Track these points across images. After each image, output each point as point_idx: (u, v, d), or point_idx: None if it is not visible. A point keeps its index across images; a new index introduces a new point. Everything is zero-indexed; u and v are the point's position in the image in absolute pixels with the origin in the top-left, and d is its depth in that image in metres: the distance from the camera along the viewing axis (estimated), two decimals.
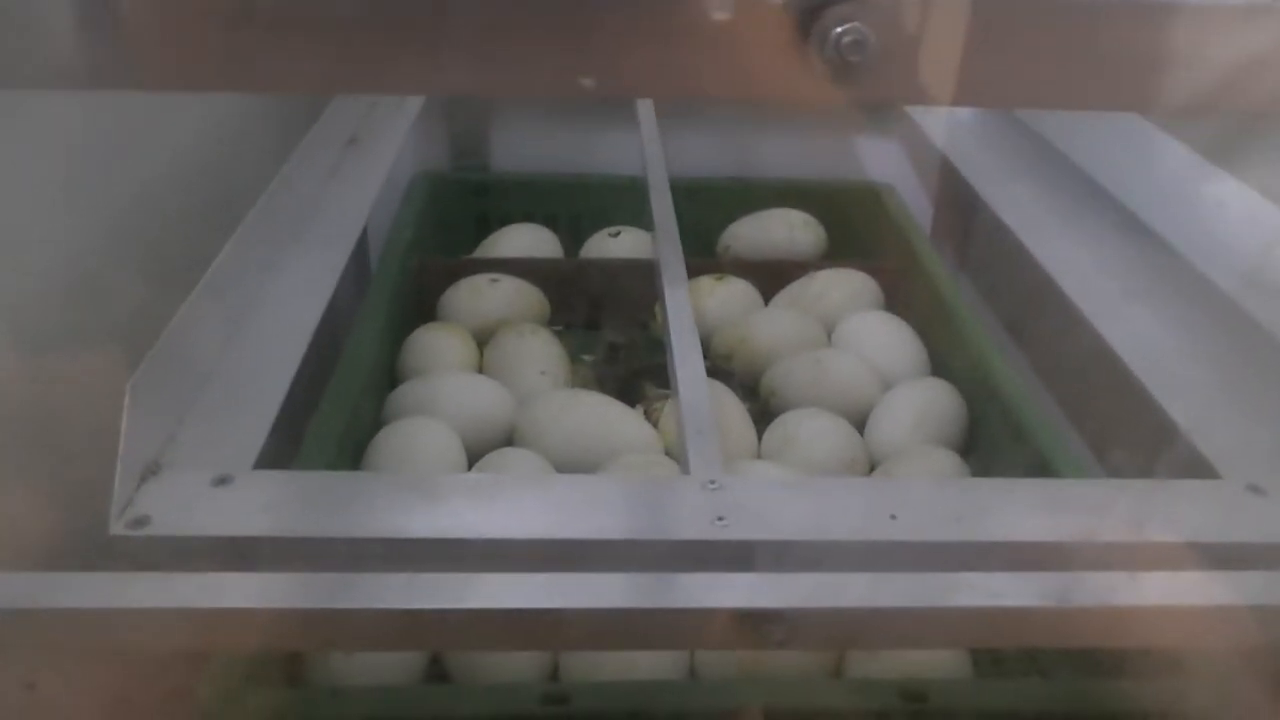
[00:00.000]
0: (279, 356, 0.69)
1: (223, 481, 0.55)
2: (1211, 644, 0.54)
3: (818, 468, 0.97)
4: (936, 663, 0.78)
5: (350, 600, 0.49)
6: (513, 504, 0.54)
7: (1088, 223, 0.96)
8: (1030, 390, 0.97)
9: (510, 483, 0.57)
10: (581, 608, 0.49)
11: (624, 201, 1.37)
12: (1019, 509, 0.55)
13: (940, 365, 1.13)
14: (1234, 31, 0.42)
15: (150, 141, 0.73)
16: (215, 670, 0.64)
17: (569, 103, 1.46)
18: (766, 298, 1.27)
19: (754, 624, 0.49)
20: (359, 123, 1.12)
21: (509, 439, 1.01)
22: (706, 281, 1.25)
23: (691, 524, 0.53)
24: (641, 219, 0.99)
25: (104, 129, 0.67)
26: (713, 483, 0.56)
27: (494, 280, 1.22)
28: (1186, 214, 0.85)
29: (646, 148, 1.09)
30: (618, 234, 1.38)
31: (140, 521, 0.52)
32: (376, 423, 0.99)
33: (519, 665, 0.77)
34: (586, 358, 1.20)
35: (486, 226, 1.40)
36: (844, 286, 1.25)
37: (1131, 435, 0.75)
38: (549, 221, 1.41)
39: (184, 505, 0.54)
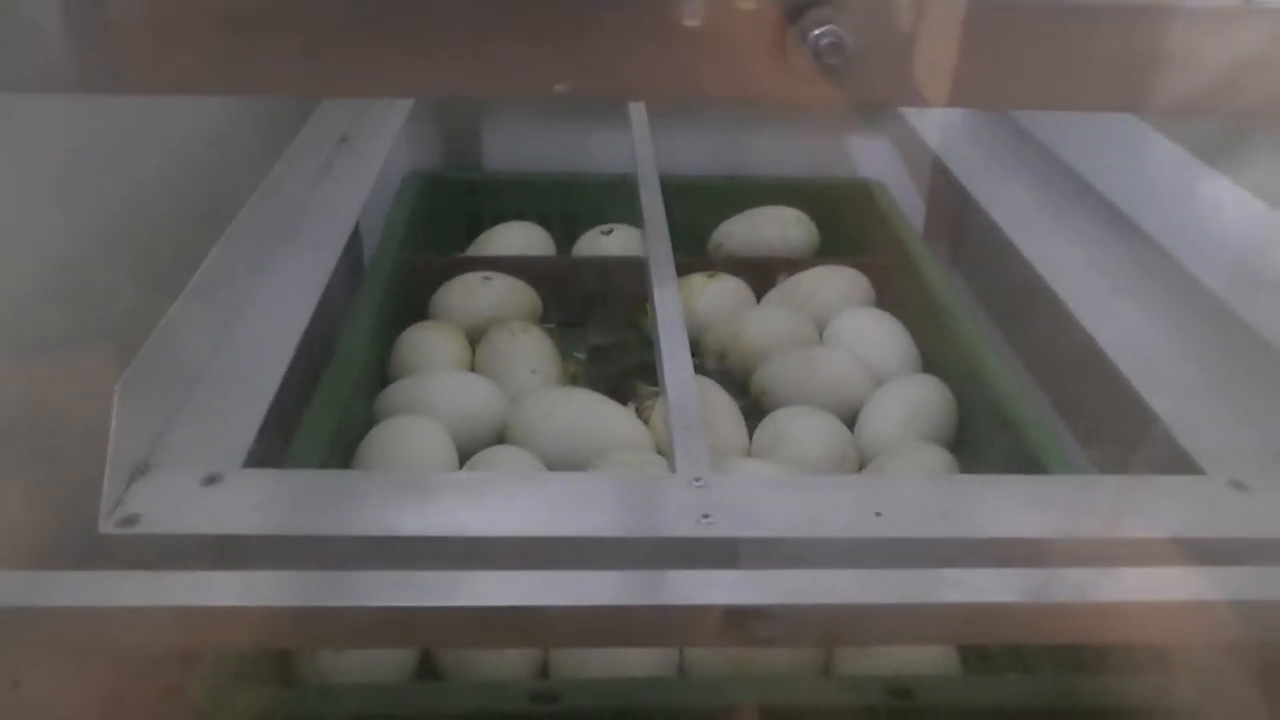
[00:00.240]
0: (269, 356, 0.69)
1: (212, 480, 0.56)
2: (1195, 639, 0.55)
3: (808, 465, 0.97)
4: (924, 659, 0.78)
5: (340, 598, 0.49)
6: (500, 502, 0.54)
7: (1077, 221, 0.96)
8: (1020, 387, 0.97)
9: (498, 481, 0.58)
10: (567, 605, 0.49)
11: (616, 200, 1.37)
12: (1005, 505, 0.56)
13: (931, 362, 1.13)
14: (1215, 31, 0.43)
15: (140, 141, 0.73)
16: (205, 668, 0.64)
17: (561, 102, 1.46)
18: (758, 295, 1.27)
19: (740, 621, 0.50)
20: (350, 122, 1.12)
21: (500, 437, 1.01)
22: (698, 279, 1.25)
23: (677, 522, 0.53)
24: (633, 217, 0.99)
25: (95, 130, 0.67)
26: (699, 480, 0.56)
27: (486, 279, 1.22)
28: (1175, 212, 0.85)
29: (637, 145, 1.09)
30: (610, 232, 1.38)
31: (130, 520, 0.53)
32: (368, 421, 0.99)
33: (509, 663, 0.78)
34: (578, 355, 1.21)
35: (479, 225, 1.41)
36: (835, 284, 1.25)
37: (1117, 431, 0.75)
38: (541, 220, 1.41)
39: (173, 504, 0.54)
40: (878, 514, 0.54)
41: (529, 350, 1.12)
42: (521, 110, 1.49)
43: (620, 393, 1.10)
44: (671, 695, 0.71)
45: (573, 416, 1.01)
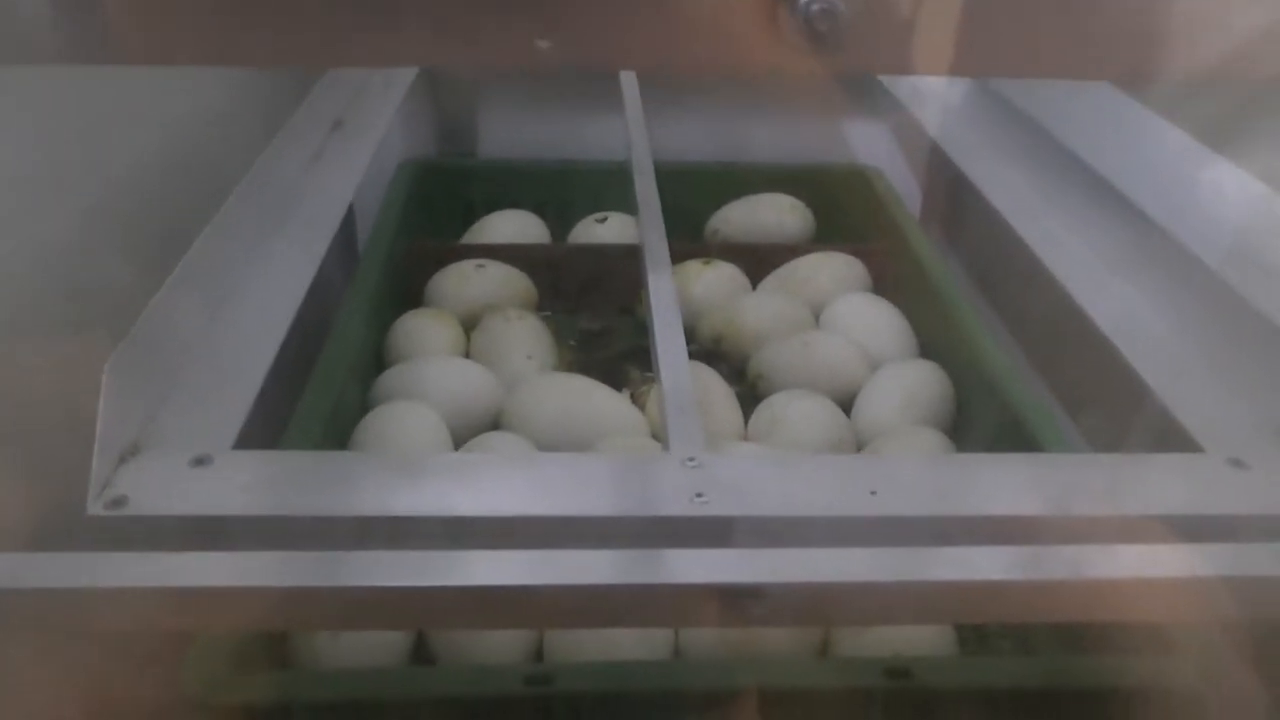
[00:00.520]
0: (260, 338, 0.69)
1: (201, 462, 0.55)
2: (1193, 617, 0.55)
3: (805, 449, 0.97)
4: (922, 640, 0.78)
5: (331, 578, 0.49)
6: (493, 482, 0.54)
7: (1076, 204, 0.96)
8: (1017, 370, 0.97)
9: (490, 461, 0.57)
10: (559, 584, 0.49)
11: (611, 187, 1.37)
12: (1000, 484, 0.55)
13: (928, 347, 1.13)
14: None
15: (131, 123, 0.73)
16: (197, 651, 0.64)
17: (556, 88, 1.46)
18: (754, 282, 1.27)
19: (733, 600, 0.49)
20: (345, 107, 1.12)
21: (495, 423, 1.01)
22: (694, 266, 1.25)
23: (671, 501, 0.53)
24: (629, 205, 0.99)
25: (87, 110, 0.66)
26: (692, 460, 0.56)
27: (481, 266, 1.22)
28: (1175, 194, 0.84)
29: (631, 131, 1.09)
30: (605, 219, 1.38)
31: (118, 502, 0.52)
32: (363, 407, 0.99)
33: (503, 648, 0.77)
34: (573, 343, 1.20)
35: (473, 212, 1.40)
36: (832, 269, 1.25)
37: (1115, 411, 0.75)
38: (536, 207, 1.41)
39: (162, 485, 0.53)
40: (872, 493, 0.54)
41: (524, 337, 1.11)
42: (516, 97, 1.49)
43: (615, 379, 1.10)
44: (666, 678, 0.71)
45: (567, 402, 1.00)
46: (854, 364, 1.08)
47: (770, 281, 1.26)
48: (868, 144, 1.52)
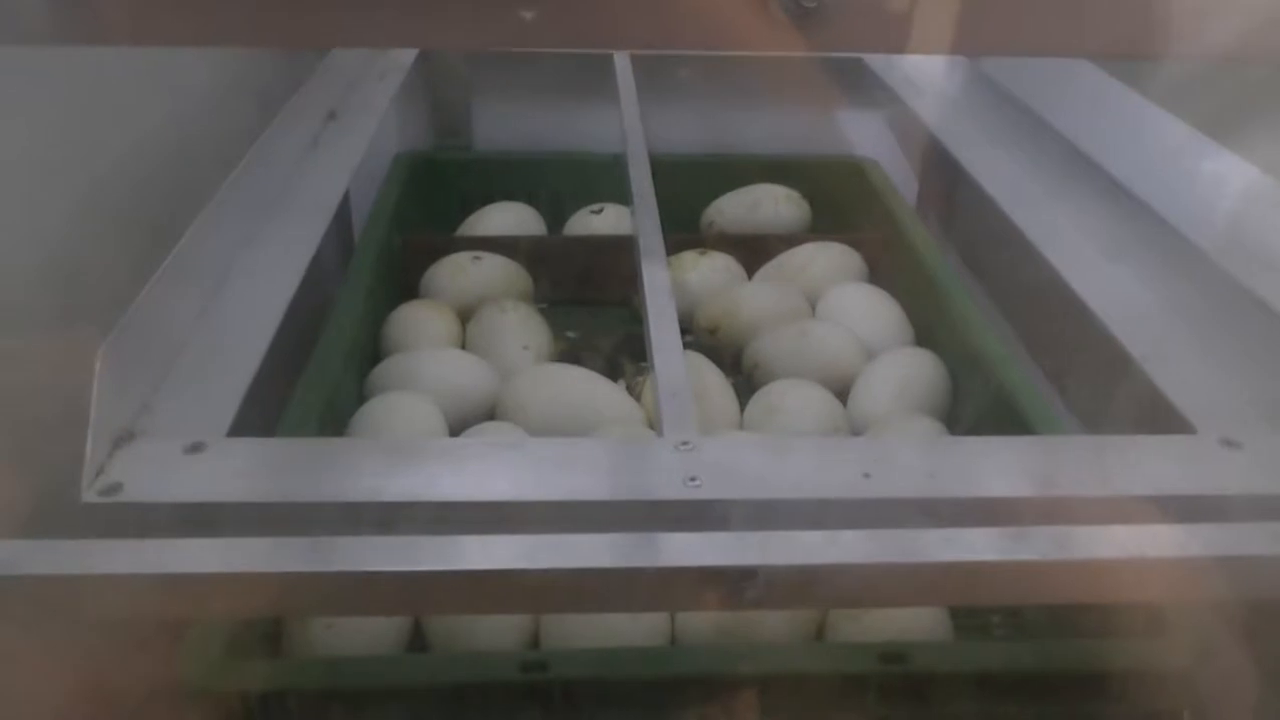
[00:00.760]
0: (254, 326, 0.69)
1: (196, 449, 0.55)
2: (1186, 597, 0.55)
3: (799, 437, 0.97)
4: (917, 625, 0.78)
5: (324, 564, 0.49)
6: (486, 467, 0.54)
7: (1071, 191, 0.96)
8: (1013, 358, 0.97)
9: (484, 446, 0.57)
10: (553, 568, 0.49)
11: (606, 178, 1.36)
12: (993, 466, 0.55)
13: (924, 335, 1.13)
14: None
15: (122, 113, 0.73)
16: (192, 639, 0.64)
17: (551, 80, 1.45)
18: (750, 273, 1.27)
19: (727, 582, 0.49)
20: (339, 99, 1.12)
21: (491, 413, 1.01)
22: (690, 256, 1.25)
23: (664, 485, 0.53)
24: (624, 196, 0.99)
25: (77, 100, 0.66)
26: (685, 444, 0.56)
27: (476, 258, 1.22)
28: (1168, 179, 0.85)
29: (626, 121, 1.09)
30: (600, 211, 1.38)
31: (113, 489, 0.52)
32: (359, 399, 0.99)
33: (499, 635, 0.77)
34: (570, 334, 1.20)
35: (469, 204, 1.40)
36: (827, 259, 1.25)
37: (1110, 393, 0.75)
38: (531, 199, 1.41)
39: (157, 472, 0.53)
40: (866, 475, 0.54)
41: (519, 327, 1.11)
42: (512, 90, 1.49)
43: (611, 370, 1.10)
44: (662, 664, 0.71)
45: (563, 392, 1.00)
46: (850, 353, 1.08)
47: (766, 271, 1.27)
48: (863, 134, 1.52)
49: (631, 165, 1.00)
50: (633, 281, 1.04)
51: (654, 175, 0.98)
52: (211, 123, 0.86)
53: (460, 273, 1.20)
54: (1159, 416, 0.64)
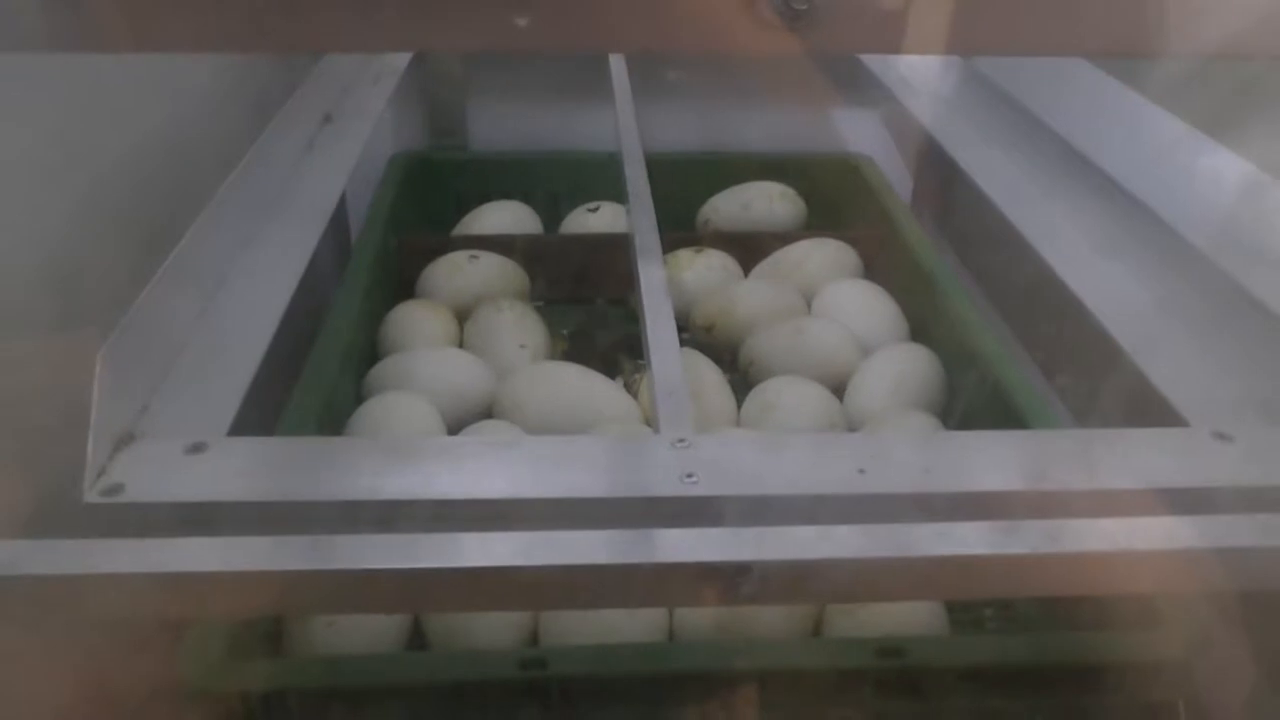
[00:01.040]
0: (253, 327, 0.69)
1: (196, 449, 0.55)
2: (1179, 589, 0.55)
3: (795, 433, 0.97)
4: (914, 620, 0.78)
5: (325, 562, 0.49)
6: (484, 464, 0.54)
7: (1065, 188, 0.96)
8: (1008, 354, 0.98)
9: (481, 444, 0.58)
10: (550, 565, 0.49)
11: (602, 177, 1.37)
12: (987, 460, 0.56)
13: (919, 332, 1.13)
14: None
15: (120, 117, 0.73)
16: (193, 638, 0.64)
17: (546, 80, 1.46)
18: (746, 270, 1.27)
19: (724, 578, 0.50)
20: (334, 101, 1.12)
21: (489, 412, 1.02)
22: (685, 254, 1.25)
23: (661, 481, 0.53)
24: (620, 194, 0.99)
25: (77, 104, 0.67)
26: (682, 441, 0.56)
27: (473, 257, 1.22)
28: (1162, 176, 0.85)
29: (621, 120, 1.09)
30: (596, 209, 1.39)
31: (114, 489, 0.52)
32: (356, 398, 1.00)
33: (498, 632, 0.78)
34: (565, 332, 1.21)
35: (465, 204, 1.41)
36: (823, 256, 1.25)
37: (1102, 387, 0.76)
38: (528, 198, 1.42)
39: (158, 472, 0.54)
40: (861, 471, 0.54)
41: (516, 326, 1.12)
42: (507, 89, 1.49)
43: (608, 368, 1.10)
44: (660, 660, 0.71)
45: (560, 390, 1.01)
46: (845, 350, 1.09)
47: (762, 269, 1.27)
48: (858, 132, 1.52)
49: (627, 164, 1.00)
50: (629, 279, 1.04)
51: (649, 173, 0.98)
52: (209, 126, 0.86)
53: (457, 272, 1.21)
54: (1152, 410, 0.65)
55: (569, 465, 0.54)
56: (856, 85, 1.45)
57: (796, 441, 0.57)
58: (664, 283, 0.77)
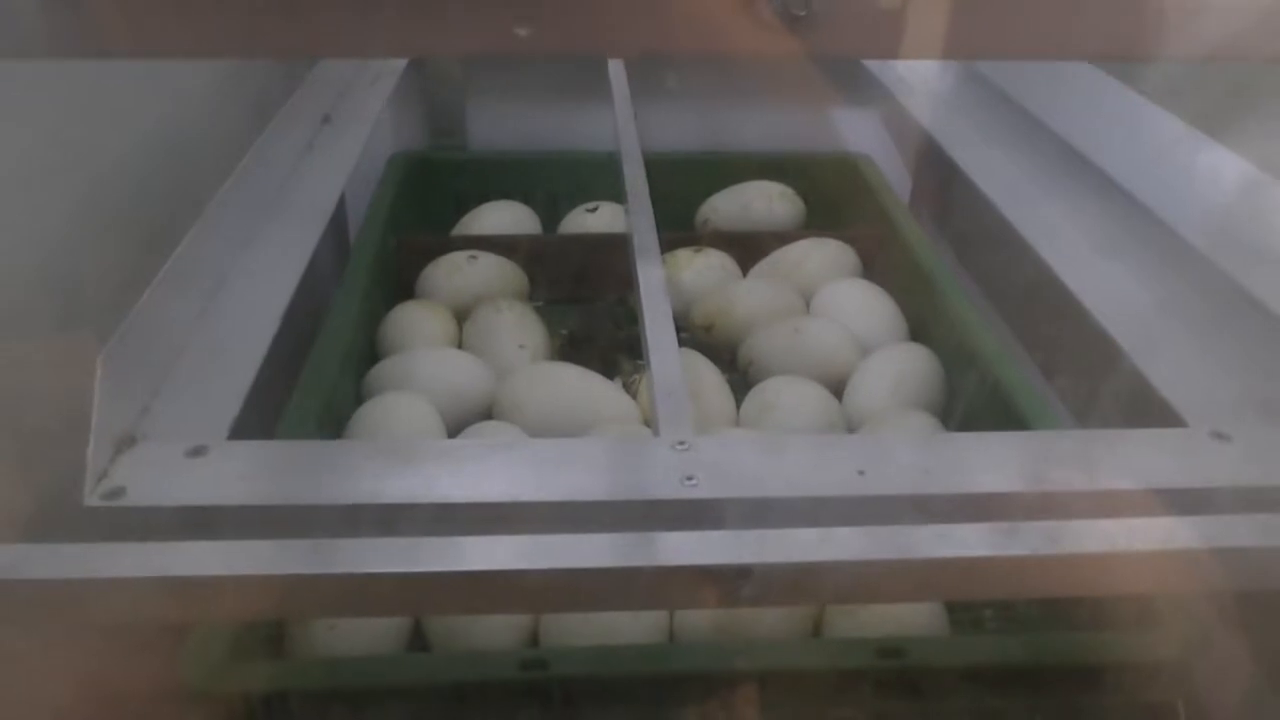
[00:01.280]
0: (253, 329, 0.69)
1: (197, 452, 0.55)
2: (1178, 589, 0.55)
3: (795, 435, 0.97)
4: (914, 621, 0.78)
5: (326, 566, 0.49)
6: (485, 467, 0.54)
7: (1064, 187, 0.97)
8: (1007, 353, 0.98)
9: (482, 447, 0.58)
10: (551, 568, 0.49)
11: (601, 177, 1.37)
12: (987, 461, 0.56)
13: (919, 332, 1.13)
14: None
15: (120, 118, 0.73)
16: (195, 641, 0.64)
17: (545, 79, 1.46)
18: (745, 269, 1.28)
19: (724, 581, 0.50)
20: (333, 102, 1.12)
21: (488, 413, 1.02)
22: (685, 254, 1.25)
23: (661, 484, 0.53)
24: (619, 194, 0.99)
25: (76, 106, 0.67)
26: (682, 443, 0.56)
27: (472, 257, 1.22)
28: (1161, 176, 0.85)
29: (619, 120, 1.09)
30: (595, 209, 1.39)
31: (115, 493, 0.53)
32: (356, 399, 1.00)
33: (499, 633, 0.78)
34: (565, 333, 1.21)
35: (464, 204, 1.41)
36: (822, 255, 1.25)
37: (1101, 388, 0.76)
38: (527, 198, 1.42)
39: (159, 476, 0.54)
40: (860, 472, 0.54)
41: (515, 326, 1.12)
42: (506, 89, 1.49)
43: (608, 369, 1.10)
44: (661, 661, 0.71)
45: (559, 391, 1.01)
46: (845, 349, 1.09)
47: (760, 268, 1.27)
48: (857, 131, 1.52)
49: (626, 163, 1.00)
50: (628, 279, 1.04)
51: (648, 173, 0.98)
52: (208, 127, 0.86)
53: (456, 272, 1.21)
54: (1151, 410, 0.65)
55: (569, 468, 0.54)
56: (855, 85, 1.46)
57: (796, 443, 0.57)
58: (663, 283, 0.77)
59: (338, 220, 1.27)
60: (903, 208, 1.30)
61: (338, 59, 1.19)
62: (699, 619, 0.79)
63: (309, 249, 0.81)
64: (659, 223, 0.88)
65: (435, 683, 0.69)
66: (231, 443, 0.58)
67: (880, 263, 1.26)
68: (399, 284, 1.22)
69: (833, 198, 1.42)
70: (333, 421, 0.92)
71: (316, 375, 0.91)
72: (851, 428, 1.01)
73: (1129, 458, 0.56)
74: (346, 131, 1.06)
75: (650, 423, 0.96)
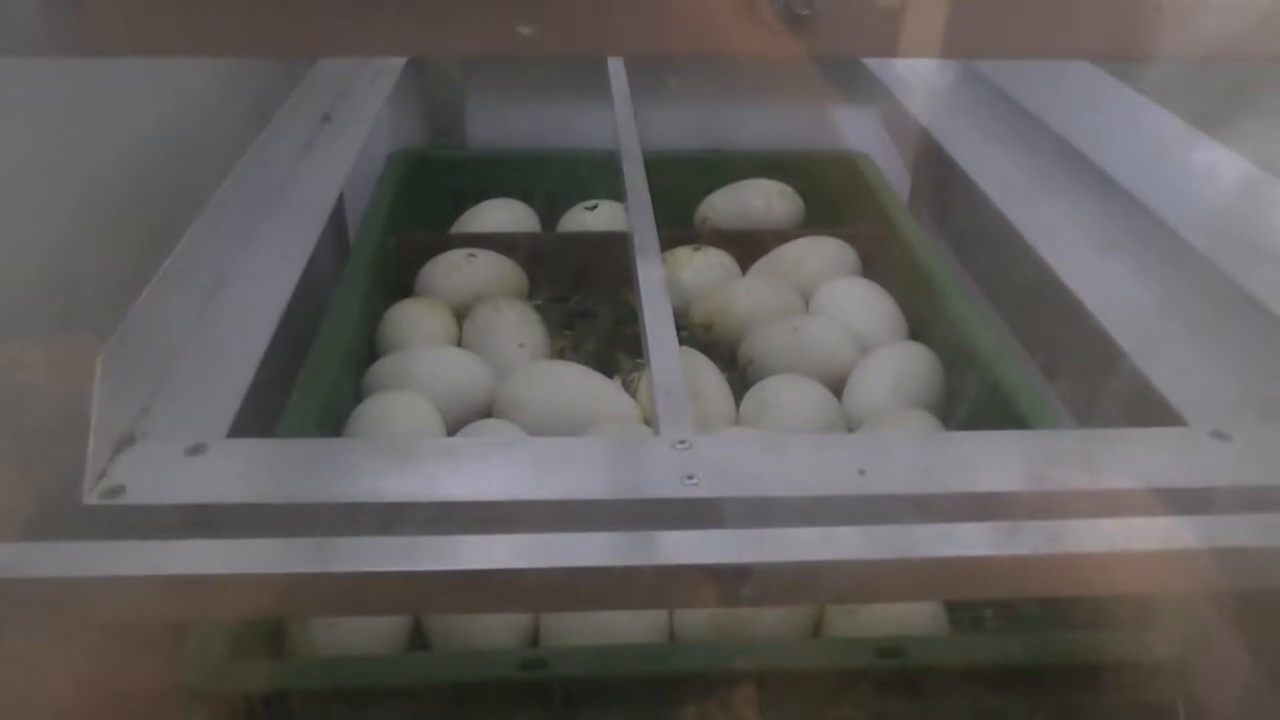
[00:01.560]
0: (252, 327, 0.69)
1: (196, 450, 0.55)
2: (1178, 588, 0.55)
3: (795, 433, 0.97)
4: (914, 620, 0.78)
5: (326, 565, 0.49)
6: (485, 466, 0.54)
7: (1063, 186, 0.97)
8: (1007, 351, 0.98)
9: (482, 446, 0.58)
10: (551, 567, 0.49)
11: (600, 175, 1.37)
12: (987, 460, 0.56)
13: (918, 330, 1.13)
14: None
15: (119, 117, 0.73)
16: (194, 640, 0.64)
17: (544, 78, 1.46)
18: (744, 268, 1.27)
19: (724, 580, 0.50)
20: (333, 100, 1.12)
21: (488, 411, 1.02)
22: (684, 252, 1.25)
23: (661, 483, 0.53)
24: (618, 193, 0.99)
25: (75, 104, 0.67)
26: (682, 442, 0.56)
27: (471, 255, 1.22)
28: (1160, 174, 0.85)
29: (619, 118, 1.09)
30: (594, 207, 1.39)
31: (115, 491, 0.52)
32: (355, 398, 1.00)
33: (499, 632, 0.78)
34: (566, 332, 1.21)
35: (463, 202, 1.41)
36: (821, 254, 1.25)
37: (1101, 387, 0.76)
38: (526, 197, 1.41)
39: (158, 474, 0.54)
40: (861, 472, 0.54)
41: (515, 325, 1.12)
42: (505, 87, 1.49)
43: (607, 367, 1.10)
44: (661, 661, 0.71)
45: (559, 389, 1.01)
46: (844, 348, 1.09)
47: (760, 267, 1.27)
48: (856, 129, 1.52)
49: (625, 163, 1.00)
50: (628, 278, 1.04)
51: (648, 172, 0.98)
52: (208, 126, 0.86)
53: (455, 270, 1.21)
54: (1150, 409, 0.65)
55: (570, 467, 0.54)
56: (854, 83, 1.46)
57: (796, 442, 0.57)
58: (662, 282, 0.77)
59: (337, 219, 1.27)
60: (902, 206, 1.30)
61: (337, 58, 1.19)
62: (699, 619, 0.78)
63: (308, 247, 0.81)
64: (658, 221, 0.88)
65: (435, 682, 0.69)
66: (231, 441, 0.58)
67: (880, 261, 1.26)
68: (398, 282, 1.22)
69: (832, 196, 1.42)
70: (332, 420, 0.92)
71: (316, 374, 0.91)
72: (851, 427, 1.01)
73: (1129, 457, 0.56)
74: (346, 130, 1.06)
75: (650, 421, 0.96)
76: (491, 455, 0.56)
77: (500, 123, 1.50)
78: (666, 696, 0.69)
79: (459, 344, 1.13)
